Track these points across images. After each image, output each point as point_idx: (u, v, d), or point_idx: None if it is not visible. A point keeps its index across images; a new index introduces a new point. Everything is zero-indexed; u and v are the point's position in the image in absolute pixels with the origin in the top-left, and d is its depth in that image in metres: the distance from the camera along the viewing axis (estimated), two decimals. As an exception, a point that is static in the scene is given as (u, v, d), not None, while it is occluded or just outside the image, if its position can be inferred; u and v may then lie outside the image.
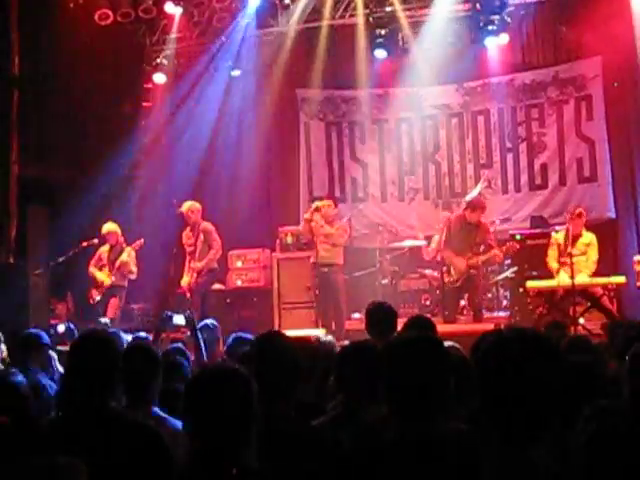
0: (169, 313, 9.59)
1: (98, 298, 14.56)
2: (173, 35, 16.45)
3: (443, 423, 3.36)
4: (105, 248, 14.74)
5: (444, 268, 13.62)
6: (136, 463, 4.06)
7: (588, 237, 13.33)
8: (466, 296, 13.86)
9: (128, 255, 14.55)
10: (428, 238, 15.69)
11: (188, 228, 14.55)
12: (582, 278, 12.84)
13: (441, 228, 13.86)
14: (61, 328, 11.55)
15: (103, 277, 14.62)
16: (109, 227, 14.67)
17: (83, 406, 4.34)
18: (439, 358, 3.50)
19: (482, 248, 13.44)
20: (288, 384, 4.37)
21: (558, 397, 2.75)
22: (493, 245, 13.44)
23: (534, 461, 2.70)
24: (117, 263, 14.52)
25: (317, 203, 14.20)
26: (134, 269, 14.64)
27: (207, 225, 14.49)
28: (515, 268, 14.51)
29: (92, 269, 14.75)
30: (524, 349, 2.80)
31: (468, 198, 14.41)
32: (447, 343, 5.85)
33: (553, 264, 13.31)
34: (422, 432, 3.27)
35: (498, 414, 2.76)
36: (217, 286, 15.19)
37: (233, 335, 7.27)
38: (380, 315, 7.52)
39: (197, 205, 14.60)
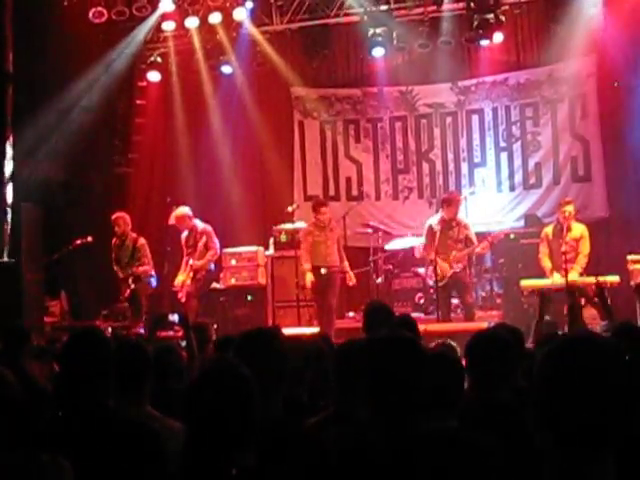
0: (163, 312, 9.61)
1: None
2: (167, 33, 16.47)
3: (425, 421, 3.34)
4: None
5: (430, 268, 13.68)
6: (135, 463, 4.06)
7: (579, 230, 13.40)
8: (457, 295, 13.92)
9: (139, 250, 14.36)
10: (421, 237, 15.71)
11: (186, 231, 14.46)
12: (574, 276, 12.89)
13: (427, 232, 13.87)
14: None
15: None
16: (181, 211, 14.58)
17: (80, 405, 4.33)
18: (411, 356, 3.49)
19: (463, 245, 13.57)
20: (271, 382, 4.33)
21: (627, 408, 2.64)
22: (473, 241, 13.55)
23: (602, 473, 2.61)
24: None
25: (305, 227, 14.37)
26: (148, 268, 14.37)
27: (206, 228, 14.38)
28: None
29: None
30: (596, 355, 2.68)
31: (462, 197, 14.50)
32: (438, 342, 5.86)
33: (546, 263, 13.37)
34: (402, 431, 3.27)
35: (560, 427, 2.65)
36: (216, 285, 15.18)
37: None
38: (378, 314, 7.54)
39: (183, 211, 14.44)
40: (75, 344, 4.56)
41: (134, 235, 14.32)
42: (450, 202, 13.64)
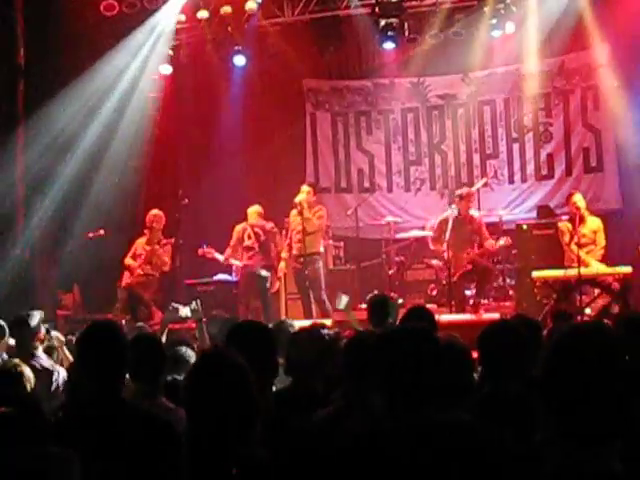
0: (175, 305, 9.59)
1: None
2: (179, 26, 16.41)
3: (438, 412, 3.34)
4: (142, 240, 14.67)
5: (442, 263, 13.69)
6: (149, 454, 4.07)
7: (595, 223, 13.35)
8: (473, 286, 13.89)
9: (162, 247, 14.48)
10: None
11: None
12: (599, 267, 12.87)
13: (437, 226, 13.81)
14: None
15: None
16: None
17: (95, 397, 4.35)
18: (429, 348, 3.49)
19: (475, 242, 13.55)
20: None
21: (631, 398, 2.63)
22: (487, 237, 13.51)
23: (608, 466, 2.60)
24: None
25: (297, 199, 13.94)
26: (167, 260, 14.54)
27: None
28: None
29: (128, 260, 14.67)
30: (606, 344, 2.66)
31: (474, 188, 14.50)
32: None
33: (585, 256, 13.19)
34: (415, 421, 3.27)
35: (572, 416, 2.64)
36: (224, 277, 15.16)
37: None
38: (381, 306, 7.54)
39: (253, 209, 14.64)
40: (92, 336, 4.57)
41: (164, 240, 14.46)
42: (462, 197, 13.63)
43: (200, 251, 14.59)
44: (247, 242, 14.44)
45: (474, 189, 14.66)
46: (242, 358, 3.58)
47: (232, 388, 3.43)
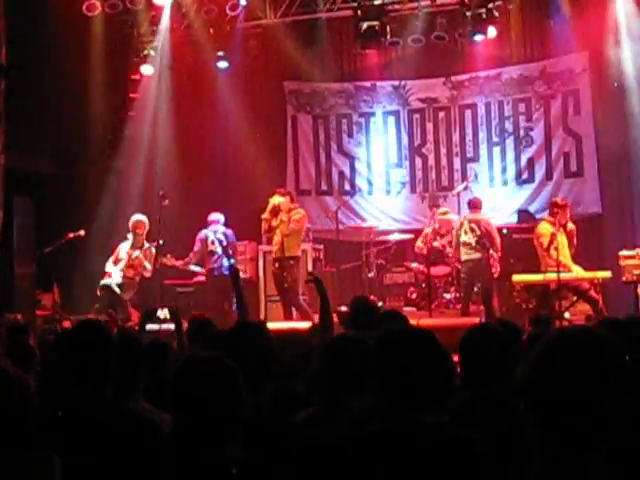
0: (153, 306, 9.58)
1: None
2: (161, 27, 16.39)
3: (430, 416, 3.34)
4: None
5: None
6: (136, 453, 4.05)
7: (572, 227, 13.42)
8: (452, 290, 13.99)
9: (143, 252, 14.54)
10: (414, 231, 15.71)
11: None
12: (578, 271, 12.93)
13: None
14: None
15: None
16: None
17: (81, 398, 4.32)
18: (432, 351, 3.48)
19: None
20: (259, 375, 4.30)
21: (620, 402, 2.61)
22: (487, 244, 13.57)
23: (592, 470, 2.58)
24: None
25: (275, 200, 13.82)
26: (148, 266, 14.59)
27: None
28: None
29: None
30: (592, 351, 2.65)
31: (454, 192, 14.57)
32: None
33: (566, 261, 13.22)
34: (410, 424, 3.26)
35: (555, 420, 2.62)
36: (202, 278, 15.13)
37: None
38: (364, 309, 7.49)
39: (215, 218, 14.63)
40: (79, 335, 4.54)
41: (147, 245, 14.49)
42: (469, 205, 13.82)
43: (163, 260, 14.60)
44: (211, 247, 14.39)
45: (454, 192, 14.72)
46: (231, 360, 3.57)
47: (220, 389, 3.42)
